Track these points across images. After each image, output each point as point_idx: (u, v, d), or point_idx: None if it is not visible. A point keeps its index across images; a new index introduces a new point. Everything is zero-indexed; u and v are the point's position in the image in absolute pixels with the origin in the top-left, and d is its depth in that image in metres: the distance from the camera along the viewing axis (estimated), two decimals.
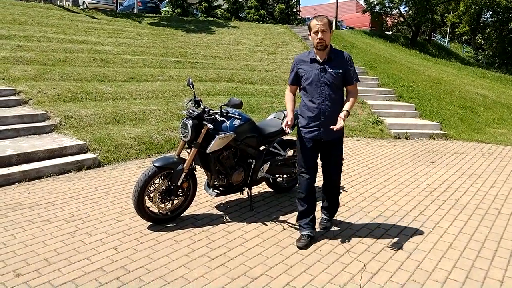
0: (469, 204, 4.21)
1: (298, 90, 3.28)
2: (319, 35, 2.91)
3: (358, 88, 10.01)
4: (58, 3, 20.33)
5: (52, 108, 6.22)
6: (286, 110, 4.10)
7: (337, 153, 3.24)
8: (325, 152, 3.21)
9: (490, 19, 31.28)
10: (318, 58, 3.02)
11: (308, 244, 3.17)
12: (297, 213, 3.82)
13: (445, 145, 7.29)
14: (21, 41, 9.63)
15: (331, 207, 3.49)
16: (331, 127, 2.92)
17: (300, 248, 3.13)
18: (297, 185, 3.28)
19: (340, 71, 3.00)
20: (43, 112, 6.01)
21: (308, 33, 3.12)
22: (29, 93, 6.64)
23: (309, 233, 3.22)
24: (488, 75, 18.80)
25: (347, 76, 3.05)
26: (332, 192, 3.41)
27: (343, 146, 3.33)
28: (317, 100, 3.03)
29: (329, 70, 2.99)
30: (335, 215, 3.64)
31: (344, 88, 3.17)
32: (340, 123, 2.90)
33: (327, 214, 3.52)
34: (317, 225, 3.45)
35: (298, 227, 3.49)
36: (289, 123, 3.09)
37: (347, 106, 3.03)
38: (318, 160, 3.25)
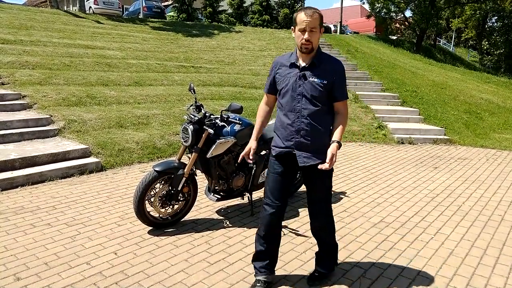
0: (471, 210, 4.18)
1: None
2: (306, 35, 2.28)
3: (363, 92, 9.85)
4: (65, 9, 20.56)
5: (57, 112, 6.27)
6: None
7: (321, 183, 2.50)
8: (307, 181, 2.55)
9: (496, 24, 31.17)
10: (299, 62, 2.40)
11: None
12: (296, 219, 3.83)
13: (449, 150, 7.25)
14: (27, 45, 9.75)
15: (324, 256, 2.72)
16: (319, 166, 2.31)
17: None
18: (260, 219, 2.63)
19: (325, 81, 2.34)
20: (48, 116, 6.06)
21: (292, 27, 2.40)
22: (34, 98, 6.71)
23: (265, 278, 2.60)
24: (493, 80, 18.67)
25: (334, 89, 2.38)
26: (320, 236, 2.67)
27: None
28: (291, 114, 2.41)
29: (310, 78, 2.35)
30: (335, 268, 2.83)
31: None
32: (330, 161, 2.29)
33: (319, 265, 2.73)
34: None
35: (296, 233, 3.49)
36: (251, 153, 2.57)
37: (336, 134, 2.38)
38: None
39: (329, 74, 2.37)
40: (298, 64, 2.40)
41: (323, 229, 2.64)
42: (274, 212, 2.50)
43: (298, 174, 4.37)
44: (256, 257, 2.67)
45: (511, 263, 3.06)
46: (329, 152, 2.32)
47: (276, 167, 2.51)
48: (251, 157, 2.55)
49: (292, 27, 2.40)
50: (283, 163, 2.50)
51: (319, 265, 2.75)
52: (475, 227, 3.74)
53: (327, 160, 2.30)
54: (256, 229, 3.48)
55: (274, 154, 2.53)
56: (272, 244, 2.62)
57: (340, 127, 2.41)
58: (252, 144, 2.58)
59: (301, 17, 2.27)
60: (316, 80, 2.35)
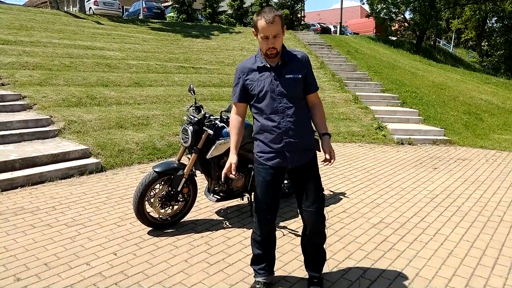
0: (471, 211, 4.18)
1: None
2: (270, 43, 2.21)
3: (362, 93, 9.89)
4: (65, 9, 20.57)
5: (57, 113, 6.28)
6: None
7: (313, 181, 2.42)
8: (297, 182, 2.46)
9: (495, 25, 31.24)
10: (268, 64, 2.32)
11: None
12: (296, 219, 3.83)
13: (449, 151, 7.26)
14: (27, 46, 9.76)
15: (315, 261, 2.63)
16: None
17: None
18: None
19: (299, 76, 2.32)
20: (47, 117, 6.07)
21: (254, 31, 2.29)
22: (34, 98, 6.72)
23: (264, 280, 2.61)
24: (493, 80, 18.70)
25: (308, 82, 2.37)
26: (313, 242, 2.58)
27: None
28: (276, 116, 2.31)
29: (286, 76, 2.30)
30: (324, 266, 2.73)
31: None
32: (332, 155, 2.34)
33: (313, 271, 2.65)
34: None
35: (295, 233, 3.48)
36: (232, 168, 2.37)
37: (323, 126, 2.41)
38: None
39: (300, 68, 2.35)
40: (268, 66, 2.32)
41: (322, 230, 2.55)
42: (268, 217, 2.49)
43: None
44: (254, 261, 2.65)
45: (510, 264, 3.06)
46: (326, 146, 2.35)
47: (264, 174, 2.41)
48: (233, 173, 2.37)
49: (254, 30, 2.28)
50: (272, 169, 2.40)
51: (310, 268, 2.64)
52: (474, 228, 3.74)
53: (327, 156, 2.34)
54: None
55: (263, 162, 2.41)
56: (268, 247, 2.61)
57: (323, 118, 2.45)
58: (232, 158, 2.39)
59: (262, 24, 2.17)
60: (292, 76, 2.32)
